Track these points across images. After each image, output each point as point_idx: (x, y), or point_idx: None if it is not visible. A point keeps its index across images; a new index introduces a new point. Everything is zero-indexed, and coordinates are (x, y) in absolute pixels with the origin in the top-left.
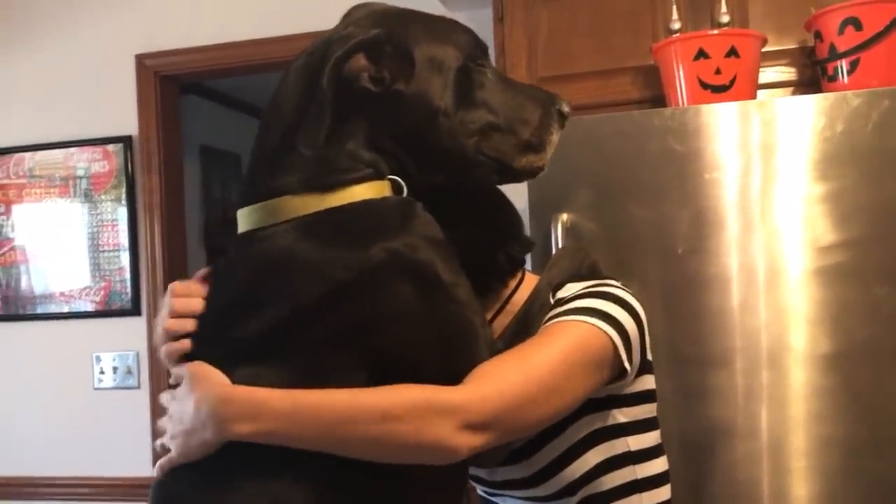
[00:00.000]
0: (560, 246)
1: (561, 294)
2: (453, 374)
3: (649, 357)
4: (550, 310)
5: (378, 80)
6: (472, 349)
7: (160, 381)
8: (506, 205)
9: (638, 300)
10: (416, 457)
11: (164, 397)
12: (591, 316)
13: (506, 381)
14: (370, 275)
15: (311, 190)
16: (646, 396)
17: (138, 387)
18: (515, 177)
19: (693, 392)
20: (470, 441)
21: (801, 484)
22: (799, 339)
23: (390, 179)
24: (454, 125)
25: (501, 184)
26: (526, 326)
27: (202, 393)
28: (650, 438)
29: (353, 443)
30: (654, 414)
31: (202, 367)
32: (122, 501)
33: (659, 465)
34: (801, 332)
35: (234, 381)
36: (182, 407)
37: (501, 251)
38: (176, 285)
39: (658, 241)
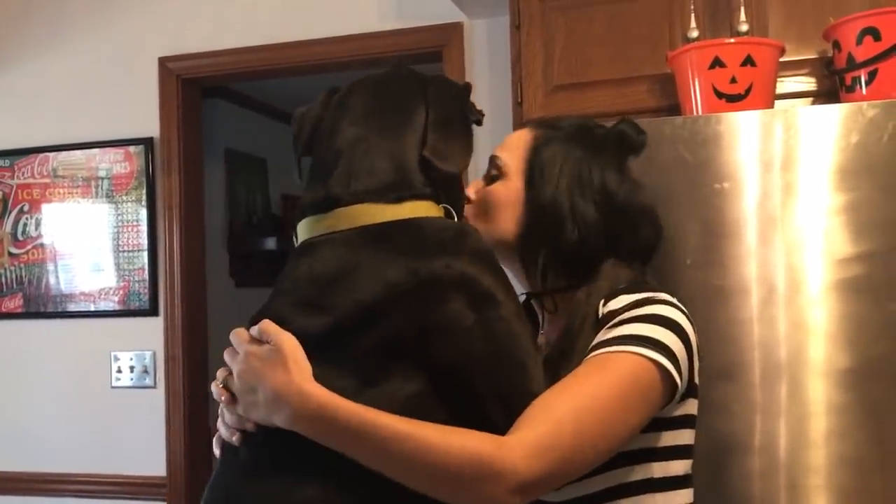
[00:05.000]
0: None
1: (612, 306)
2: (502, 387)
3: (696, 380)
4: (598, 325)
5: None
6: (520, 361)
7: (175, 381)
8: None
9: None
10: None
11: (243, 341)
12: (640, 345)
13: (561, 432)
14: (430, 284)
15: (383, 201)
16: (688, 421)
17: (154, 386)
18: None
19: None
20: (517, 500)
21: (817, 501)
22: (817, 353)
23: (444, 206)
24: None
25: None
26: (571, 345)
27: (287, 379)
28: (682, 466)
29: (407, 477)
30: (692, 442)
31: (293, 345)
32: (135, 499)
33: (683, 496)
34: (819, 345)
35: None
36: (262, 374)
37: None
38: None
39: (667, 251)
